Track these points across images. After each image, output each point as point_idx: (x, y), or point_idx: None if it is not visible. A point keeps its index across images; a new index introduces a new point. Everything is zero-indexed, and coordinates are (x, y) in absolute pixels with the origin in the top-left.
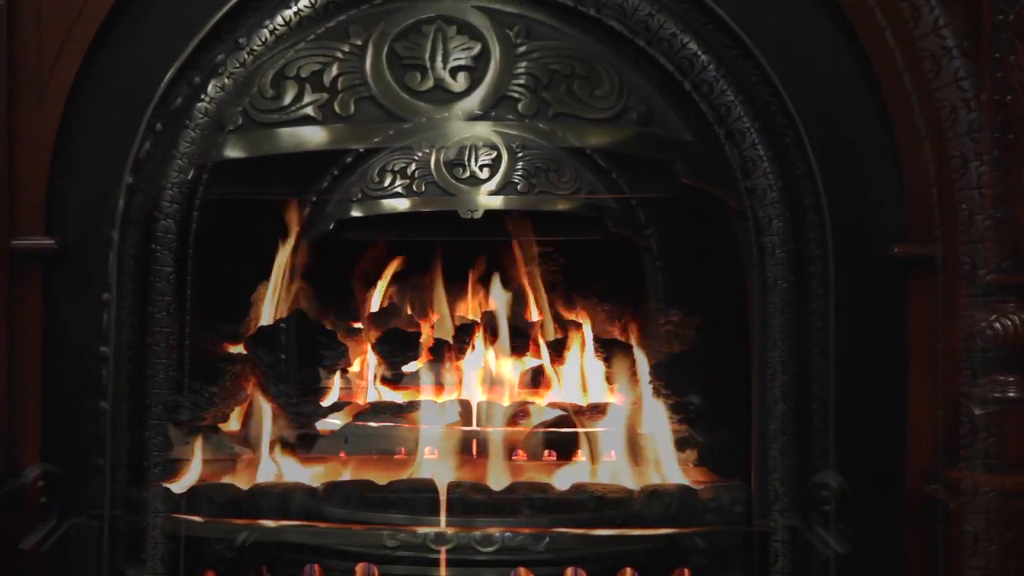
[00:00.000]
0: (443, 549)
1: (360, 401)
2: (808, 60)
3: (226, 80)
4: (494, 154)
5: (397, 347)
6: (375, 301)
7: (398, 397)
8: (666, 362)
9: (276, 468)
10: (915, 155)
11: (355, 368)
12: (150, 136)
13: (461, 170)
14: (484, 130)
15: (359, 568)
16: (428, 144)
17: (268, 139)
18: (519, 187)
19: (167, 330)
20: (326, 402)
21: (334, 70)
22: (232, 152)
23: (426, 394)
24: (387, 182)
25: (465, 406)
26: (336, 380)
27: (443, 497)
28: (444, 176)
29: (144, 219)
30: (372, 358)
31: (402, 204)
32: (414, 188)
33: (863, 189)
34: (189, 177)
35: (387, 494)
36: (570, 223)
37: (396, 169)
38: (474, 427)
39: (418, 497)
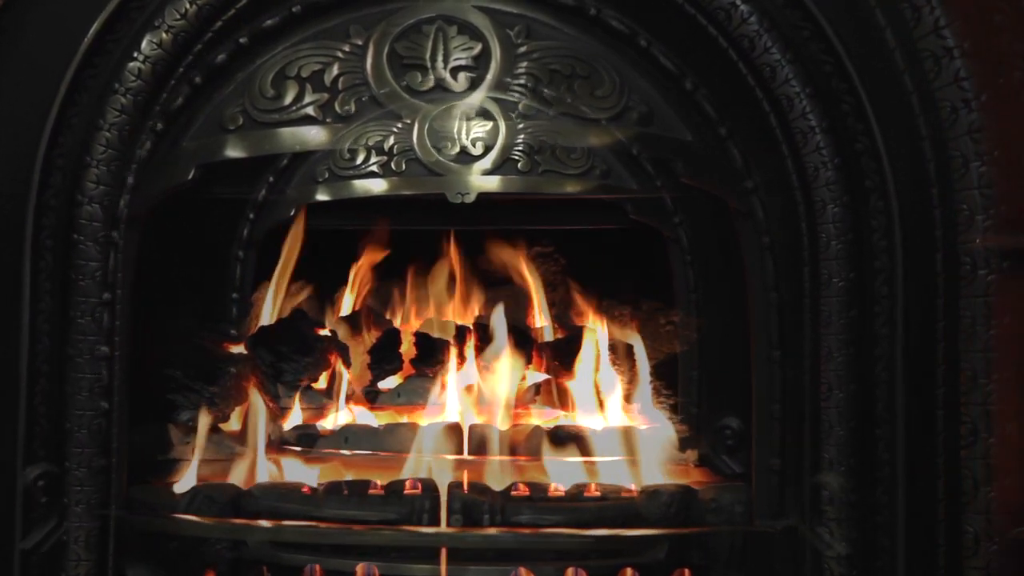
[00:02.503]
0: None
1: (328, 425)
2: (871, 9)
3: (164, 35)
4: (489, 125)
5: (373, 359)
6: (346, 303)
7: (373, 419)
8: (697, 377)
9: (275, 468)
10: (1007, 127)
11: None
12: (71, 104)
13: (450, 144)
14: (478, 97)
15: (359, 568)
16: (410, 113)
17: (268, 139)
18: (520, 165)
19: (92, 338)
20: (288, 424)
21: (335, 70)
22: (233, 152)
23: (408, 415)
24: (360, 159)
25: (455, 431)
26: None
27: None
28: (429, 152)
29: (65, 204)
30: (343, 371)
31: (378, 186)
32: (393, 167)
33: (940, 168)
34: (119, 153)
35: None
36: (582, 209)
37: (371, 144)
38: (464, 455)
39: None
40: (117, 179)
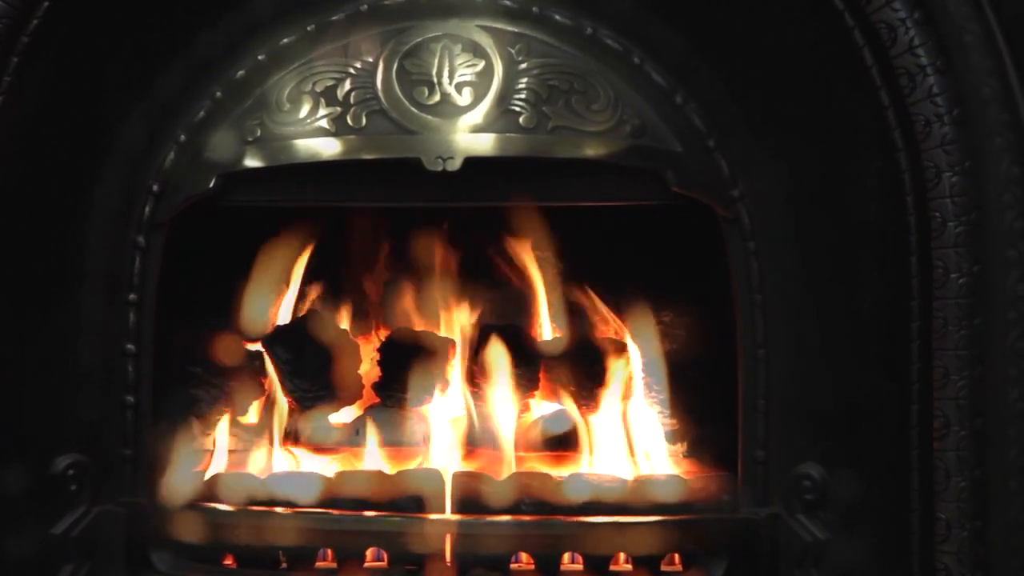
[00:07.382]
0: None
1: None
2: None
3: None
4: (480, 65)
5: (322, 383)
6: (285, 308)
7: (323, 465)
8: (765, 408)
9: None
10: None
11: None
12: None
13: (427, 91)
14: (465, 27)
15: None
16: (372, 48)
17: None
18: (521, 120)
19: None
20: (208, 471)
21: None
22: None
23: (370, 459)
24: (304, 111)
25: (434, 477)
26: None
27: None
28: (399, 101)
29: None
30: (281, 399)
31: (329, 148)
32: (349, 121)
33: None
34: None
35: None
36: (602, 177)
37: (319, 90)
38: (447, 514)
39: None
40: None
